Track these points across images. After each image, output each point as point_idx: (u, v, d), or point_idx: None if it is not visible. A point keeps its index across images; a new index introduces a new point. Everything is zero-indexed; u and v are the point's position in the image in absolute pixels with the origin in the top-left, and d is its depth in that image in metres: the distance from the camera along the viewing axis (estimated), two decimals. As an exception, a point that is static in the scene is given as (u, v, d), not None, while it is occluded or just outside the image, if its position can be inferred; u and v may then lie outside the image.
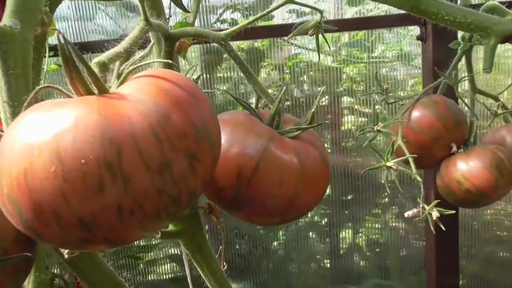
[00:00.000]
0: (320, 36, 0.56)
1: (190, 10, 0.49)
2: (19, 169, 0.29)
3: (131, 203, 0.29)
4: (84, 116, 0.29)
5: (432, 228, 0.73)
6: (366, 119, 1.71)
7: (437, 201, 0.73)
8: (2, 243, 0.37)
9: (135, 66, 0.34)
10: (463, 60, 0.87)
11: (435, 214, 0.72)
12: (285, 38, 1.52)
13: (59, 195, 0.28)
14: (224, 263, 0.69)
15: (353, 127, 1.76)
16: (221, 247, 0.73)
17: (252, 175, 0.46)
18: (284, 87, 0.50)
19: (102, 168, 0.28)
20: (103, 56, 0.37)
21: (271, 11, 0.50)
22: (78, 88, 0.33)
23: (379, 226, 1.81)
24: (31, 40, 0.46)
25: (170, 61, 0.38)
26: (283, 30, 1.42)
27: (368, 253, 1.84)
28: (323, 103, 1.69)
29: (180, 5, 0.44)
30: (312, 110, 0.50)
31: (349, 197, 1.73)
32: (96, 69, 0.36)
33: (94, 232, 0.30)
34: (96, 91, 0.33)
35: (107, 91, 0.33)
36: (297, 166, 0.47)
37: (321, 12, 0.53)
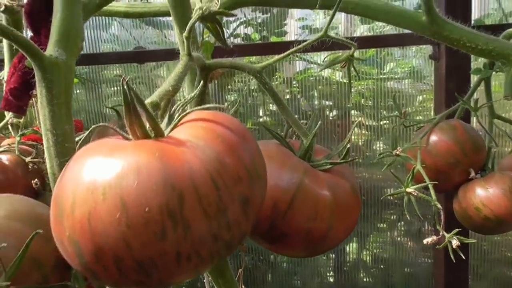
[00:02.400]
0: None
1: (231, 46, 0.50)
2: (83, 212, 0.30)
3: (189, 249, 0.30)
4: (146, 162, 0.30)
5: (452, 256, 0.73)
6: (373, 134, 1.72)
7: (457, 229, 0.73)
8: (43, 269, 0.37)
9: (189, 111, 0.35)
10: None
11: (455, 242, 0.72)
12: (298, 54, 1.53)
13: (122, 240, 0.29)
14: (243, 286, 0.69)
15: (360, 142, 1.76)
16: (240, 270, 0.74)
17: (287, 209, 0.46)
18: (319, 122, 0.51)
19: (164, 215, 0.29)
20: (155, 96, 0.38)
21: (309, 44, 0.50)
22: (135, 131, 0.34)
23: (385, 242, 1.81)
24: (73, 68, 0.46)
25: (221, 106, 0.39)
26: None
27: (373, 269, 1.83)
28: (332, 117, 1.70)
29: (222, 40, 0.45)
30: (346, 145, 0.51)
31: (355, 212, 1.73)
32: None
33: (151, 275, 0.31)
34: (152, 134, 0.34)
35: (163, 135, 0.34)
36: (331, 200, 0.48)
37: (354, 46, 0.54)
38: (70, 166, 0.32)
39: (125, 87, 0.31)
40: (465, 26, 0.66)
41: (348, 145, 0.50)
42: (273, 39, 1.66)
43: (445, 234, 0.73)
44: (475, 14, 1.45)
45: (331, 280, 1.85)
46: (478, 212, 0.81)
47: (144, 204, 0.29)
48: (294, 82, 1.71)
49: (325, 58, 0.57)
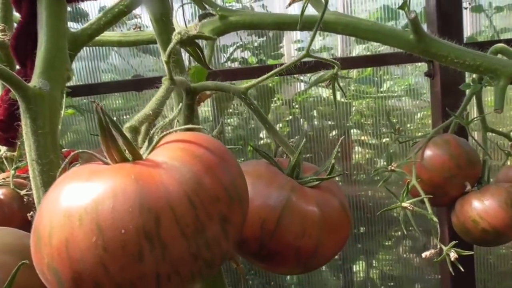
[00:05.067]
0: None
1: (213, 68, 0.51)
2: (60, 239, 0.30)
3: (169, 270, 0.30)
4: (122, 185, 0.30)
5: (450, 269, 0.72)
6: (375, 151, 1.72)
7: (454, 242, 0.73)
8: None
9: (166, 133, 0.36)
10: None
11: (453, 255, 0.72)
12: (295, 75, 1.55)
13: (100, 265, 0.29)
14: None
15: (363, 160, 1.76)
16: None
17: (275, 227, 0.47)
18: (304, 139, 0.51)
19: (141, 237, 0.29)
20: (134, 120, 0.38)
21: (289, 65, 0.51)
22: (113, 155, 0.34)
23: (392, 259, 1.79)
24: (59, 98, 0.48)
25: (198, 127, 0.40)
26: (297, 67, 1.44)
27: (382, 287, 1.81)
28: (333, 137, 1.71)
29: (203, 63, 0.46)
30: (332, 161, 0.51)
31: (361, 230, 1.72)
32: (127, 133, 0.37)
33: (132, 298, 0.31)
34: (130, 158, 0.34)
35: (140, 158, 0.35)
36: (319, 216, 0.48)
37: (337, 65, 0.55)
38: (48, 194, 0.33)
39: (100, 113, 0.32)
40: (458, 43, 0.67)
41: (333, 161, 0.51)
42: (270, 61, 1.68)
43: (443, 247, 0.73)
44: (467, 32, 1.46)
45: (341, 300, 1.83)
46: (476, 224, 0.81)
47: (120, 227, 0.29)
48: (294, 103, 1.73)
49: (310, 77, 0.58)
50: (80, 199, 0.30)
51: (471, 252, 0.71)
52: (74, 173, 0.33)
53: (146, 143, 0.37)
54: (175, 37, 0.42)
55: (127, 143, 0.34)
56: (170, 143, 0.35)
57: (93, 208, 0.30)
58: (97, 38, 0.68)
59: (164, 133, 0.36)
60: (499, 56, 0.74)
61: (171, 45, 0.41)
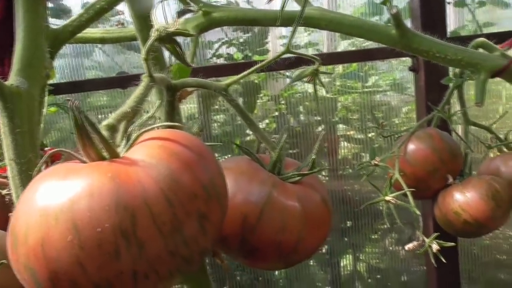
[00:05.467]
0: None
1: (192, 65, 0.50)
2: (36, 238, 0.30)
3: (146, 267, 0.30)
4: (98, 184, 0.30)
5: (433, 260, 0.73)
6: (362, 146, 1.73)
7: (436, 234, 0.74)
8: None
9: (143, 130, 0.36)
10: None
11: (435, 246, 0.73)
12: (281, 71, 1.55)
13: (76, 264, 0.29)
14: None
15: (349, 155, 1.78)
16: None
17: (256, 223, 0.47)
18: (284, 135, 0.51)
19: (117, 235, 0.29)
20: (111, 118, 0.38)
21: (270, 62, 0.52)
22: (89, 153, 0.34)
23: (379, 252, 1.81)
24: (37, 97, 0.47)
25: (176, 124, 0.40)
26: (278, 63, 1.45)
27: (369, 280, 1.83)
28: (319, 132, 1.72)
29: (182, 60, 0.46)
30: (313, 156, 0.51)
31: (348, 224, 1.74)
32: (105, 131, 0.37)
33: (109, 296, 0.31)
34: (107, 156, 0.34)
35: (117, 156, 0.34)
36: (300, 211, 0.49)
37: (318, 60, 0.55)
38: (25, 193, 0.33)
39: (75, 111, 0.32)
40: (441, 38, 0.68)
41: (314, 157, 0.51)
42: (256, 57, 1.68)
43: (425, 239, 0.74)
44: (451, 26, 1.48)
45: (329, 293, 1.84)
46: (458, 216, 0.82)
47: (96, 225, 0.29)
48: (280, 99, 1.73)
49: (292, 72, 0.58)
50: (56, 198, 0.30)
51: (453, 244, 0.72)
52: (51, 172, 0.33)
53: (124, 141, 0.37)
54: (153, 34, 0.41)
55: (104, 141, 0.34)
56: (147, 141, 0.35)
57: (69, 207, 0.30)
58: (79, 35, 0.67)
59: (142, 130, 0.36)
60: (480, 50, 0.75)
61: (149, 42, 0.41)
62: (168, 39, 0.42)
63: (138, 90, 0.43)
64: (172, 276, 0.33)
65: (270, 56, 1.68)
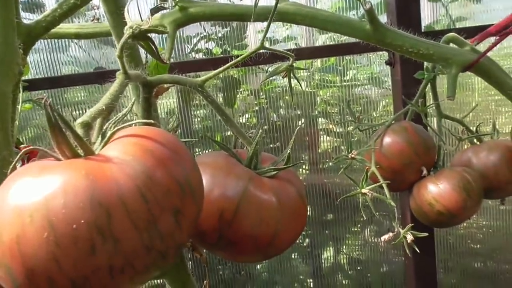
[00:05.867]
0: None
1: (167, 62, 0.51)
2: (11, 236, 0.30)
3: (122, 262, 0.31)
4: (73, 181, 0.31)
5: (407, 250, 0.75)
6: (342, 139, 1.75)
7: (411, 224, 0.76)
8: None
9: (118, 127, 0.36)
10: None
11: (409, 237, 0.75)
12: (260, 66, 1.55)
13: (52, 260, 0.30)
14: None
15: (330, 148, 1.79)
16: (205, 281, 0.74)
17: (233, 217, 0.47)
18: (260, 130, 0.52)
19: (93, 231, 0.30)
20: (86, 116, 0.38)
21: (245, 57, 0.52)
22: (64, 151, 0.34)
23: (360, 244, 1.84)
24: (9, 94, 0.47)
25: (152, 121, 0.40)
26: (258, 58, 1.45)
27: (350, 272, 1.86)
28: (300, 126, 1.73)
29: (157, 57, 0.46)
30: (288, 151, 0.52)
31: (329, 217, 1.76)
32: (80, 129, 0.37)
33: (86, 292, 0.31)
34: (82, 153, 0.35)
35: (92, 153, 0.35)
36: (276, 205, 0.49)
37: (292, 56, 0.56)
38: (-1, 190, 0.33)
39: (48, 108, 0.32)
40: (416, 32, 0.69)
41: (289, 151, 0.52)
42: (235, 52, 1.68)
43: (400, 230, 0.75)
44: (426, 21, 1.50)
45: (311, 285, 1.86)
46: (432, 207, 0.84)
47: (72, 222, 0.29)
48: (261, 94, 1.74)
49: (267, 68, 0.59)
50: (31, 195, 0.31)
51: (426, 234, 0.74)
52: (24, 169, 0.33)
53: (99, 139, 0.37)
54: (126, 32, 0.42)
55: (78, 139, 0.34)
56: (122, 138, 0.36)
57: (44, 204, 0.30)
58: (53, 30, 0.67)
59: (117, 127, 0.36)
60: (451, 45, 0.76)
61: (122, 40, 0.41)
62: (141, 36, 0.43)
63: (112, 88, 0.44)
64: (149, 270, 0.33)
65: (248, 50, 1.68)
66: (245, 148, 0.59)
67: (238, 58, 0.51)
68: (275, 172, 0.52)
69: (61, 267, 0.30)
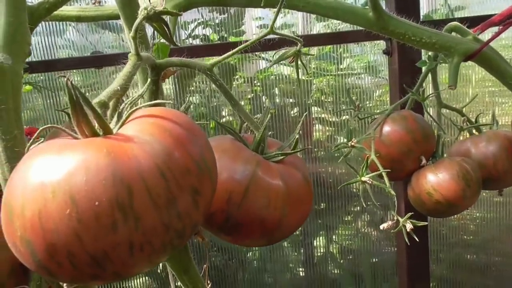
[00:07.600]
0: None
1: (179, 44, 0.51)
2: (33, 211, 0.30)
3: (141, 240, 0.31)
4: (94, 159, 0.31)
5: (406, 239, 0.76)
6: (335, 128, 1.76)
7: (410, 213, 0.77)
8: (-2, 277, 0.38)
9: (135, 108, 0.36)
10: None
11: (409, 226, 0.76)
12: (256, 53, 1.55)
13: (74, 236, 0.30)
14: (209, 281, 0.71)
15: (323, 137, 1.80)
16: (205, 265, 0.75)
17: (242, 199, 0.48)
18: (269, 115, 0.53)
19: (114, 208, 0.30)
20: (103, 96, 0.39)
21: (253, 42, 0.52)
22: (83, 130, 0.34)
23: (352, 234, 1.86)
24: (20, 73, 0.47)
25: (165, 101, 0.40)
26: (254, 45, 1.44)
27: (341, 261, 1.88)
28: (294, 114, 1.73)
29: (169, 39, 0.46)
30: (296, 136, 0.53)
31: (321, 206, 1.77)
32: (97, 108, 0.37)
33: (105, 268, 0.32)
34: (100, 132, 0.35)
35: (111, 132, 0.35)
36: (283, 189, 0.50)
37: (300, 41, 0.56)
38: (19, 168, 0.33)
39: (71, 87, 0.32)
40: (415, 21, 0.70)
41: (297, 136, 0.52)
42: (232, 39, 1.68)
43: (400, 219, 0.76)
44: (424, 10, 1.51)
45: (302, 274, 1.88)
46: (430, 196, 0.85)
47: (94, 199, 0.30)
48: (256, 81, 1.73)
49: (273, 54, 0.59)
50: (53, 172, 0.31)
51: (426, 223, 0.75)
52: (44, 147, 0.33)
53: (115, 118, 0.38)
54: (141, 13, 0.42)
55: (98, 118, 0.34)
56: (139, 118, 0.36)
57: (66, 181, 0.30)
58: (55, 12, 0.66)
59: (134, 108, 0.37)
60: (453, 34, 0.77)
61: (137, 21, 0.41)
62: (155, 18, 0.43)
63: (126, 68, 0.44)
64: (166, 249, 0.34)
65: (246, 37, 1.68)
66: (249, 133, 0.59)
67: (248, 42, 0.51)
68: (282, 157, 0.53)
69: (82, 242, 0.30)
